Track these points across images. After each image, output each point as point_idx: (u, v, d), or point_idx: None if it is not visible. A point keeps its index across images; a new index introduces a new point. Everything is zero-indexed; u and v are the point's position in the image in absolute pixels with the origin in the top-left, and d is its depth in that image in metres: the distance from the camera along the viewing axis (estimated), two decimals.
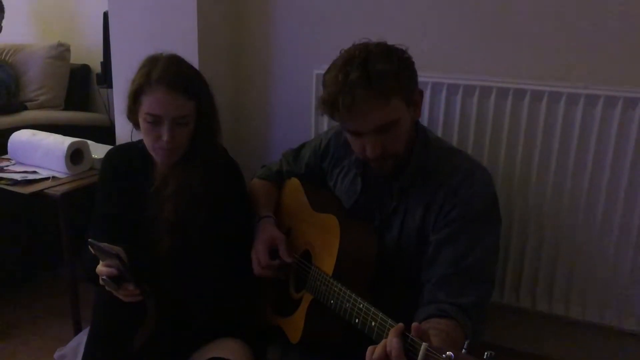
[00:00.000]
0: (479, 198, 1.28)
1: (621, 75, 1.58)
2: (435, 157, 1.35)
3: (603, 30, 1.59)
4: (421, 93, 1.34)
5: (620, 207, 1.61)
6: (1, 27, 2.51)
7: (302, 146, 1.69)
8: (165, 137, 1.37)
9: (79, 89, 2.69)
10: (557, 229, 1.69)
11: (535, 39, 1.66)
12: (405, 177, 1.35)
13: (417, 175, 1.34)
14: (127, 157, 1.54)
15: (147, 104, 1.37)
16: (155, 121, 1.37)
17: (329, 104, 1.25)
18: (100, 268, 1.31)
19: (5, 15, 2.52)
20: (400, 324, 1.01)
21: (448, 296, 1.22)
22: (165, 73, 1.37)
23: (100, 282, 1.32)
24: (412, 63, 1.29)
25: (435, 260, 1.27)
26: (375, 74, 1.21)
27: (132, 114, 1.43)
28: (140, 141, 1.52)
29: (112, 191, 1.51)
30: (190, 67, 1.46)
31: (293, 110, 2.04)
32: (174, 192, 1.43)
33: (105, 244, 1.29)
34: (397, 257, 1.35)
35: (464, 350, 0.88)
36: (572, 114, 1.61)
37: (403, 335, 0.98)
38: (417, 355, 0.93)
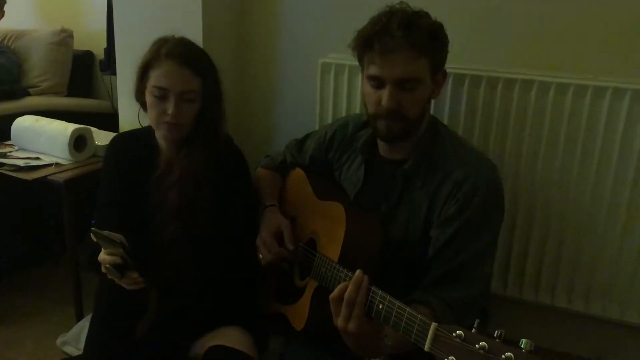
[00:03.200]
0: (481, 195, 1.27)
1: (629, 68, 1.57)
2: (443, 146, 1.35)
3: (612, 22, 1.58)
4: (445, 74, 1.35)
5: (627, 198, 1.60)
6: (4, 12, 2.50)
7: (306, 137, 1.69)
8: (170, 111, 1.39)
9: (81, 76, 2.69)
10: (563, 219, 1.68)
11: (543, 29, 1.65)
12: (409, 162, 1.35)
13: (421, 162, 1.34)
14: (132, 144, 1.55)
15: (155, 77, 1.40)
16: (162, 95, 1.39)
17: (365, 42, 1.29)
18: (103, 256, 1.31)
19: (8, 0, 2.50)
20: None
21: (436, 291, 1.24)
22: (175, 49, 1.41)
23: (103, 270, 1.31)
24: (448, 39, 1.32)
25: (432, 259, 1.29)
26: (416, 26, 1.24)
27: (140, 92, 1.45)
28: (145, 128, 1.52)
29: (116, 178, 1.51)
30: (199, 48, 1.49)
31: (298, 99, 2.03)
32: (178, 178, 1.44)
33: (108, 232, 1.29)
34: (403, 246, 1.35)
35: (474, 330, 0.89)
36: (580, 105, 1.60)
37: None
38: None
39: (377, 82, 1.29)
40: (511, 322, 1.73)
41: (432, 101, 1.72)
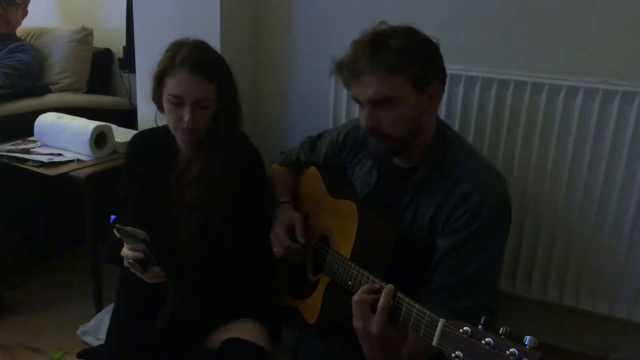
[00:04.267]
0: (489, 208, 1.28)
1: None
2: (453, 157, 1.35)
3: (623, 25, 1.60)
4: (439, 88, 1.32)
5: (635, 200, 1.63)
6: (27, 11, 2.55)
7: (320, 136, 1.72)
8: (186, 118, 1.41)
9: (100, 73, 2.72)
10: (571, 220, 1.70)
11: (554, 32, 1.67)
12: (420, 174, 1.36)
13: (432, 174, 1.35)
14: (152, 142, 1.59)
15: (171, 86, 1.42)
16: (178, 102, 1.42)
17: (337, 67, 1.33)
18: (126, 251, 1.35)
19: None
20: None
21: (442, 300, 1.26)
22: (189, 56, 1.42)
23: (126, 264, 1.36)
24: (435, 52, 1.30)
25: (438, 268, 1.30)
26: (384, 47, 1.25)
27: (157, 96, 1.48)
28: (165, 126, 1.57)
29: (137, 174, 1.55)
30: (214, 52, 1.50)
31: (312, 99, 2.06)
32: (196, 175, 1.47)
33: (131, 228, 1.33)
34: (407, 250, 1.37)
35: (480, 326, 0.92)
36: (590, 108, 1.62)
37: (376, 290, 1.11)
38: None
39: (359, 103, 1.32)
40: (519, 319, 1.77)
41: (442, 105, 1.76)
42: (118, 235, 1.34)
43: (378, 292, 1.15)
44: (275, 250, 1.48)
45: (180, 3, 1.96)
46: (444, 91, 1.34)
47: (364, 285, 1.23)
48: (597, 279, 1.73)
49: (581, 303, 1.76)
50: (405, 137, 1.31)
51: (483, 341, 0.89)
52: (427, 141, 1.36)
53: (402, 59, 1.24)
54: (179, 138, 1.50)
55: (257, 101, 2.17)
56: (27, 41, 2.58)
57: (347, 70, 1.30)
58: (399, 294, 1.12)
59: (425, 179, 1.36)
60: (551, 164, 1.70)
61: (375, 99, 1.26)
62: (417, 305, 1.08)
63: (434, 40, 1.30)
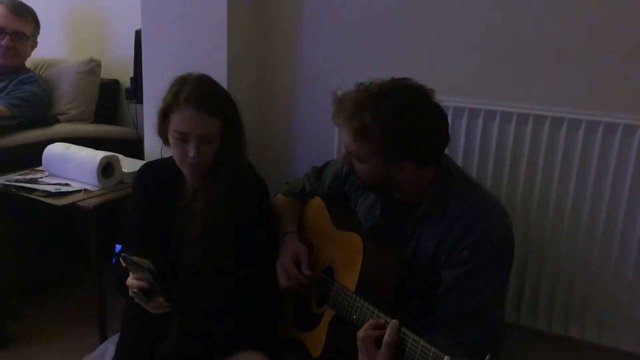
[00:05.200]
0: (491, 240, 1.29)
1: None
2: (456, 190, 1.37)
3: (622, 59, 1.62)
4: (414, 168, 1.31)
5: (638, 234, 1.63)
6: (37, 42, 2.59)
7: (324, 166, 1.74)
8: (191, 154, 1.43)
9: (108, 103, 2.75)
10: (575, 252, 1.71)
11: (555, 65, 1.70)
12: (422, 208, 1.37)
13: (434, 207, 1.36)
14: (159, 173, 1.60)
15: (175, 122, 1.44)
16: (183, 138, 1.44)
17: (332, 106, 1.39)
18: (131, 281, 1.36)
19: (40, 31, 2.61)
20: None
21: (447, 332, 1.26)
22: (193, 93, 1.43)
23: (131, 294, 1.36)
24: (422, 131, 1.26)
25: (443, 300, 1.31)
26: (360, 114, 1.29)
27: (162, 131, 1.50)
28: (172, 157, 1.58)
29: (144, 204, 1.56)
30: (218, 86, 1.52)
31: (317, 129, 2.09)
32: (202, 207, 1.48)
33: (136, 258, 1.34)
34: (411, 283, 1.37)
35: None
36: (591, 141, 1.63)
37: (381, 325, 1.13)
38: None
39: None
40: (524, 351, 1.76)
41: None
42: (124, 265, 1.35)
43: (383, 327, 1.16)
44: (281, 281, 1.48)
45: (187, 35, 2.01)
46: (425, 168, 1.32)
47: (368, 319, 1.23)
48: (603, 311, 1.72)
49: (586, 335, 1.75)
50: (378, 185, 1.39)
51: None
52: (425, 179, 1.37)
53: (371, 132, 1.26)
54: (185, 172, 1.51)
55: (262, 132, 2.19)
56: (37, 72, 2.63)
57: (335, 116, 1.36)
58: (403, 329, 1.13)
59: (427, 213, 1.37)
60: (554, 196, 1.71)
61: (349, 151, 1.34)
62: (421, 342, 1.09)
63: (439, 105, 1.31)
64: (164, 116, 1.47)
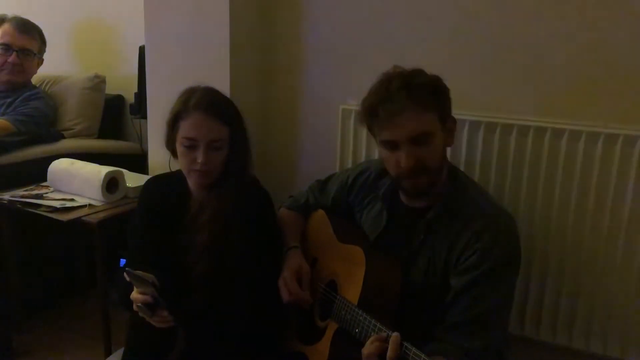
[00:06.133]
0: (500, 246, 1.30)
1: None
2: (464, 196, 1.39)
3: (622, 70, 1.63)
4: (454, 121, 1.41)
5: None
6: (43, 59, 2.63)
7: (329, 179, 1.74)
8: (200, 159, 1.45)
9: (112, 118, 2.78)
10: (579, 262, 1.71)
11: (557, 77, 1.70)
12: (432, 212, 1.39)
13: (444, 212, 1.38)
14: (165, 187, 1.61)
15: (184, 128, 1.46)
16: (192, 145, 1.45)
17: (370, 112, 1.35)
18: (135, 295, 1.36)
19: (47, 48, 2.64)
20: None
21: (455, 339, 1.26)
22: (202, 99, 1.47)
23: (135, 308, 1.37)
24: (448, 89, 1.38)
25: (451, 306, 1.31)
26: (415, 85, 1.31)
27: (170, 142, 1.52)
28: (177, 171, 1.60)
29: (149, 219, 1.57)
30: (225, 97, 1.55)
31: (320, 144, 2.10)
32: (209, 219, 1.49)
33: (140, 272, 1.35)
34: (423, 291, 1.38)
35: None
36: (592, 152, 1.64)
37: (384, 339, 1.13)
38: None
39: (392, 145, 1.35)
40: None
41: (448, 149, 1.79)
42: (128, 279, 1.36)
43: (386, 340, 1.16)
44: (283, 296, 1.49)
45: (190, 51, 2.03)
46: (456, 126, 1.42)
47: (371, 333, 1.24)
48: (608, 322, 1.71)
49: (591, 346, 1.74)
50: (439, 169, 1.38)
51: None
52: (441, 180, 1.40)
53: (433, 94, 1.33)
54: (193, 181, 1.52)
55: (265, 145, 2.21)
56: (42, 88, 2.66)
57: (381, 112, 1.33)
58: (405, 343, 1.13)
59: (438, 218, 1.38)
60: (557, 207, 1.71)
61: (415, 135, 1.31)
62: (423, 356, 1.09)
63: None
64: (173, 124, 1.49)
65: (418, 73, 1.36)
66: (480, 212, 1.35)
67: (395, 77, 1.34)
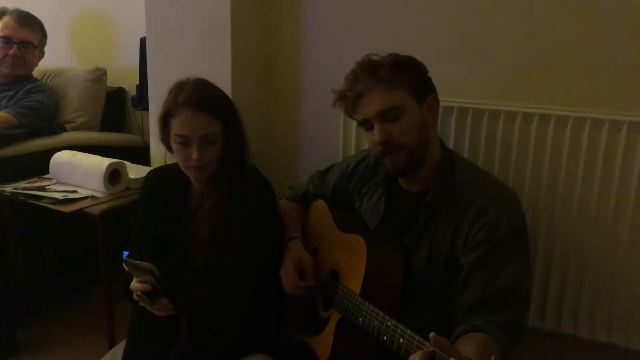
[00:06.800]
0: (506, 220, 1.30)
1: None
2: (463, 177, 1.39)
3: (628, 56, 1.61)
4: (436, 100, 1.42)
5: None
6: (43, 52, 2.62)
7: (329, 169, 1.74)
8: (194, 156, 1.44)
9: (114, 111, 2.77)
10: (582, 251, 1.70)
11: (560, 64, 1.69)
12: (431, 195, 1.39)
13: (443, 195, 1.38)
14: (166, 179, 1.61)
15: (176, 126, 1.45)
16: (184, 142, 1.45)
17: (341, 97, 1.42)
18: (134, 284, 1.36)
19: (47, 41, 2.63)
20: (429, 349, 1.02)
21: (482, 315, 1.24)
22: (191, 95, 1.45)
23: (134, 297, 1.37)
24: (421, 68, 1.41)
25: (467, 286, 1.30)
26: (379, 65, 1.36)
27: (164, 138, 1.52)
28: (177, 163, 1.59)
29: (151, 210, 1.57)
30: (215, 88, 1.53)
31: (322, 134, 2.10)
32: (209, 211, 1.48)
33: (139, 262, 1.34)
34: (426, 278, 1.38)
35: None
36: (597, 138, 1.63)
37: (429, 355, 1.00)
38: None
39: (367, 125, 1.39)
40: (534, 351, 1.75)
41: (452, 135, 1.78)
42: (126, 269, 1.35)
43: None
44: (285, 287, 1.49)
45: (191, 42, 2.02)
46: (439, 105, 1.43)
47: (373, 322, 1.24)
48: (612, 309, 1.70)
49: (596, 334, 1.73)
50: (418, 145, 1.37)
51: None
52: (434, 162, 1.41)
53: (397, 72, 1.35)
54: (191, 176, 1.52)
55: (266, 136, 2.20)
56: (44, 81, 2.65)
57: (349, 93, 1.38)
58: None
59: (437, 200, 1.38)
60: (561, 195, 1.70)
61: (382, 111, 1.34)
62: (415, 337, 1.09)
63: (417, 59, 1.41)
64: (164, 122, 1.49)
65: (387, 55, 1.40)
66: (482, 191, 1.35)
67: (362, 62, 1.40)
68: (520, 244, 1.33)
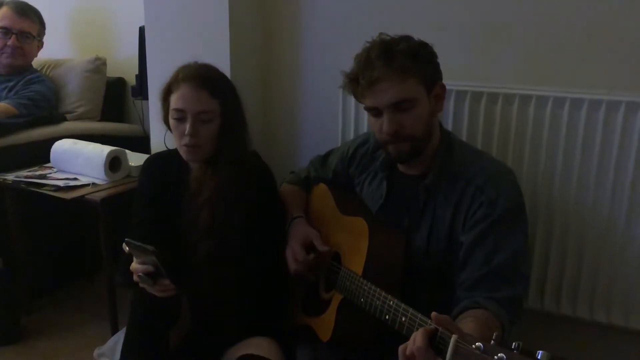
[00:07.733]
0: (504, 197, 1.31)
1: None
2: (461, 158, 1.40)
3: (626, 37, 1.62)
4: (443, 87, 1.41)
5: None
6: (42, 43, 2.62)
7: (330, 153, 1.75)
8: (187, 131, 1.44)
9: (114, 101, 2.78)
10: (582, 231, 1.71)
11: (558, 45, 1.70)
12: (430, 177, 1.39)
13: (442, 176, 1.38)
14: (165, 165, 1.62)
15: (174, 100, 1.47)
16: (181, 117, 1.46)
17: (352, 81, 1.38)
18: (136, 265, 1.37)
19: (46, 31, 2.64)
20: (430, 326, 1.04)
21: (482, 292, 1.25)
22: (191, 72, 1.48)
23: (135, 279, 1.37)
24: (434, 54, 1.38)
25: (467, 263, 1.31)
26: (395, 52, 1.32)
27: (165, 115, 1.53)
28: (177, 149, 1.60)
29: (151, 197, 1.58)
30: (219, 72, 1.54)
31: (321, 118, 2.10)
32: (208, 198, 1.48)
33: (140, 243, 1.34)
34: (427, 258, 1.39)
35: (492, 342, 0.91)
36: (594, 119, 1.63)
37: (431, 332, 1.01)
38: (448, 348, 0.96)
39: (375, 112, 1.37)
40: (533, 333, 1.76)
41: (450, 118, 1.79)
42: (127, 250, 1.36)
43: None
44: (290, 265, 1.49)
45: (190, 30, 2.02)
46: (446, 91, 1.42)
47: (375, 302, 1.25)
48: (611, 290, 1.71)
49: (595, 315, 1.74)
50: (424, 136, 1.38)
51: (495, 357, 0.88)
52: (434, 146, 1.41)
53: (413, 61, 1.32)
54: (183, 155, 1.52)
55: (266, 121, 2.20)
56: (43, 72, 2.65)
57: (362, 80, 1.34)
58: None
59: (436, 181, 1.39)
60: (559, 177, 1.70)
61: (395, 102, 1.32)
62: (417, 315, 1.10)
63: (429, 44, 1.39)
64: (165, 98, 1.50)
65: (402, 39, 1.36)
66: (480, 169, 1.36)
67: (376, 45, 1.36)
68: (519, 219, 1.34)
